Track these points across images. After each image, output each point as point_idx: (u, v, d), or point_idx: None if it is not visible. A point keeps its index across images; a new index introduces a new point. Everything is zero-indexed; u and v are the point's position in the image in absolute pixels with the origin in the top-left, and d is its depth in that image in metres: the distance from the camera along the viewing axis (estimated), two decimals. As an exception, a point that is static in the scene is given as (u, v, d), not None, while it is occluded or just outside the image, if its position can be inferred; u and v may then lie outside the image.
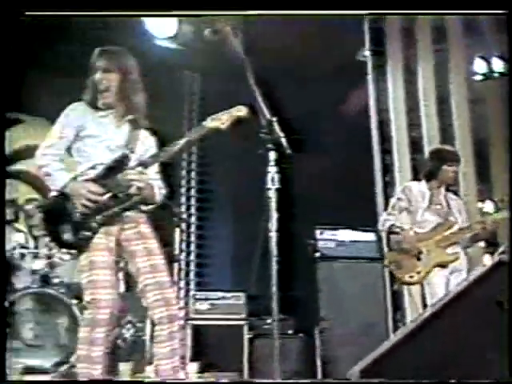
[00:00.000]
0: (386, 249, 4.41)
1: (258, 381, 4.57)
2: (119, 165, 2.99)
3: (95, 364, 2.85)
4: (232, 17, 4.82)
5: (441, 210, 4.26)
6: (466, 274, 4.13)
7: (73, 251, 2.98)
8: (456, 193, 4.61)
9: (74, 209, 2.91)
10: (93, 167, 2.99)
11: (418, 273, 4.05)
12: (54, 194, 2.97)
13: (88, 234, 2.89)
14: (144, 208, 3.08)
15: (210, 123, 3.02)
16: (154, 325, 3.00)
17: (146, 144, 3.17)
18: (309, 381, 4.66)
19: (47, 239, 4.72)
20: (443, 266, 4.06)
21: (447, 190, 4.37)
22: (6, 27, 2.92)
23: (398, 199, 4.35)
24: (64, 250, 4.59)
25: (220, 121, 3.01)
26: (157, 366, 2.95)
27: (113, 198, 2.94)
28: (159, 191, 3.11)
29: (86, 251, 2.89)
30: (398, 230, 4.20)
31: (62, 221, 2.93)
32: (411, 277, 4.08)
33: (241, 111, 3.02)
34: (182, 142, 3.00)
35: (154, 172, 3.10)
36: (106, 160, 3.00)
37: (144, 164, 2.99)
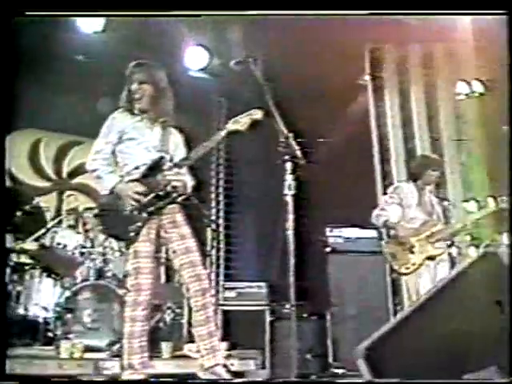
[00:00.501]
0: (383, 242, 4.35)
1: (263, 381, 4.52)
2: (158, 165, 3.01)
3: (135, 338, 2.89)
4: (251, 47, 4.82)
5: (427, 208, 4.20)
6: (448, 264, 4.09)
7: (123, 244, 2.99)
8: (437, 195, 4.50)
9: (123, 207, 2.92)
10: (136, 168, 3.01)
11: (413, 264, 4.00)
12: (105, 193, 2.99)
13: (137, 227, 2.90)
14: (178, 199, 3.09)
15: (231, 126, 3.02)
16: (189, 299, 3.02)
17: (176, 141, 3.19)
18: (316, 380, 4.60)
19: (101, 239, 4.79)
20: (432, 258, 4.01)
21: (430, 191, 4.30)
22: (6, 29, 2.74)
23: (391, 197, 4.26)
24: (115, 247, 4.69)
25: (239, 123, 3.01)
26: (195, 333, 2.97)
27: (155, 196, 2.96)
28: (190, 184, 3.14)
29: (135, 242, 2.90)
30: (393, 224, 4.14)
31: (114, 217, 2.95)
32: (407, 268, 4.02)
33: (257, 114, 3.02)
34: (208, 143, 3.02)
35: (184, 168, 3.11)
36: (145, 160, 3.01)
37: (179, 165, 3.02)
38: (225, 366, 2.96)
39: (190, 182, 3.15)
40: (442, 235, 4.05)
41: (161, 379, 3.57)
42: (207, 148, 3.00)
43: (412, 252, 4.02)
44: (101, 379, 3.58)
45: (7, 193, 3.89)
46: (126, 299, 2.98)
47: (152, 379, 2.95)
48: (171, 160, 3.07)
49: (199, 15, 3.27)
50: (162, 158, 3.04)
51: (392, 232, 4.22)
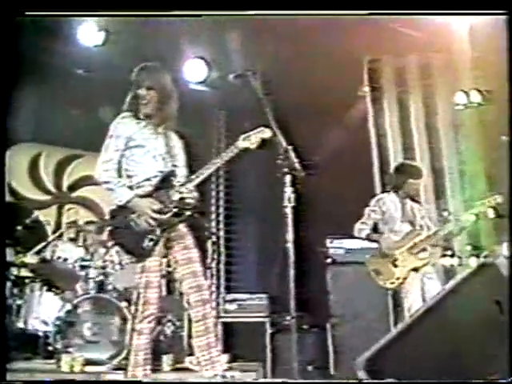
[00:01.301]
0: (366, 257, 4.24)
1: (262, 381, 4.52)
2: (168, 179, 3.03)
3: (141, 351, 2.89)
4: (250, 60, 4.87)
5: (409, 219, 4.14)
6: (436, 276, 4.04)
7: (128, 257, 2.99)
8: (418, 201, 4.38)
9: (137, 222, 2.91)
10: (147, 179, 3.01)
11: (398, 279, 3.93)
12: (118, 205, 2.96)
13: (151, 244, 2.90)
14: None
15: (242, 144, 3.02)
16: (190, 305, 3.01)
17: (177, 147, 3.19)
18: (314, 381, 4.60)
19: (102, 252, 4.81)
20: (416, 270, 3.94)
21: (412, 200, 4.24)
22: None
23: (372, 210, 4.21)
24: (116, 261, 4.69)
25: (250, 141, 3.01)
26: (194, 343, 2.98)
27: (173, 215, 2.97)
28: (197, 199, 3.13)
29: (150, 257, 2.90)
30: (376, 237, 4.11)
31: (128, 232, 2.93)
32: (392, 283, 3.96)
33: (266, 133, 3.02)
34: (218, 160, 3.02)
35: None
36: (155, 171, 3.02)
37: (190, 181, 3.02)
38: (223, 377, 2.97)
39: (197, 196, 3.15)
40: (425, 244, 3.97)
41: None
42: (218, 164, 3.01)
43: (395, 266, 3.95)
44: (100, 379, 3.58)
45: (7, 207, 3.90)
46: (134, 312, 2.98)
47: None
48: (178, 172, 3.09)
49: (199, 15, 3.28)
50: (172, 171, 3.06)
51: (375, 246, 4.15)
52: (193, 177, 3.05)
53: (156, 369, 3.74)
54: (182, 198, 2.98)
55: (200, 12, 3.12)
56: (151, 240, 2.91)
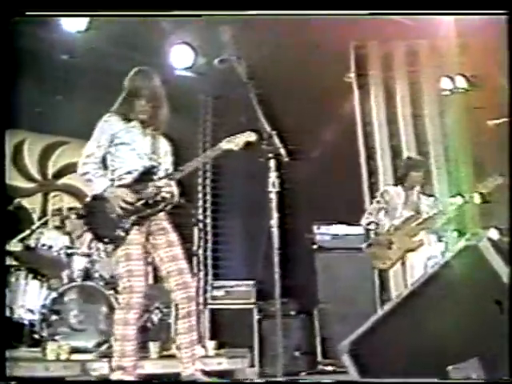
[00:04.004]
0: (364, 245, 4.55)
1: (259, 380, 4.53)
2: (150, 173, 3.05)
3: (129, 341, 2.89)
4: (237, 45, 4.82)
5: (413, 207, 4.38)
6: (440, 258, 4.18)
7: (109, 246, 3.01)
8: (429, 193, 4.68)
9: (111, 211, 2.94)
10: (129, 172, 3.02)
11: (390, 259, 4.24)
12: (94, 194, 3.00)
13: (123, 233, 2.92)
14: (165, 209, 3.11)
15: (225, 145, 3.05)
16: (176, 306, 3.04)
17: (165, 150, 3.21)
18: (313, 380, 4.63)
19: (87, 239, 4.77)
20: (412, 250, 4.21)
21: (418, 191, 4.48)
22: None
23: (377, 201, 4.54)
24: (101, 248, 4.67)
25: (234, 143, 3.04)
26: (178, 340, 3.00)
27: (144, 204, 2.99)
28: (176, 194, 3.15)
29: (121, 245, 2.92)
30: (374, 226, 4.42)
31: (101, 220, 2.97)
32: (384, 263, 4.29)
33: (251, 136, 3.05)
34: (200, 159, 3.09)
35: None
36: (137, 166, 3.04)
37: (170, 176, 3.05)
38: (202, 370, 3.00)
39: (176, 192, 3.16)
40: (422, 228, 4.23)
41: (154, 380, 3.60)
42: (199, 162, 3.07)
43: (390, 248, 4.25)
44: (97, 379, 3.56)
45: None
46: (119, 301, 2.98)
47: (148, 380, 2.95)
48: (161, 169, 3.10)
49: (199, 15, 3.25)
50: (154, 166, 3.07)
51: (372, 233, 4.47)
52: (172, 172, 3.09)
53: (143, 356, 3.74)
54: (157, 192, 2.99)
55: (199, 12, 3.09)
56: (124, 228, 2.92)
